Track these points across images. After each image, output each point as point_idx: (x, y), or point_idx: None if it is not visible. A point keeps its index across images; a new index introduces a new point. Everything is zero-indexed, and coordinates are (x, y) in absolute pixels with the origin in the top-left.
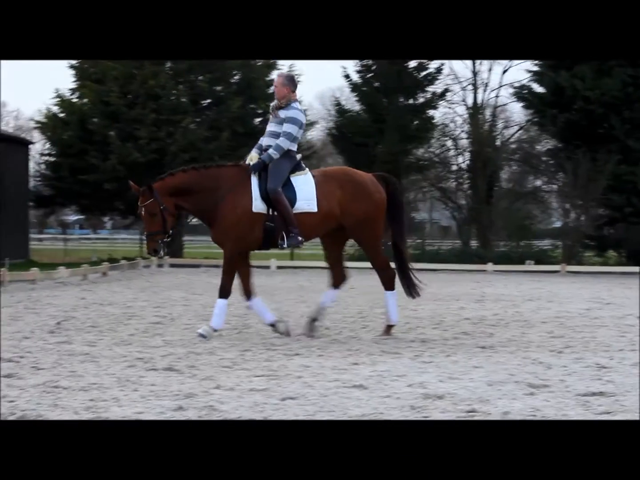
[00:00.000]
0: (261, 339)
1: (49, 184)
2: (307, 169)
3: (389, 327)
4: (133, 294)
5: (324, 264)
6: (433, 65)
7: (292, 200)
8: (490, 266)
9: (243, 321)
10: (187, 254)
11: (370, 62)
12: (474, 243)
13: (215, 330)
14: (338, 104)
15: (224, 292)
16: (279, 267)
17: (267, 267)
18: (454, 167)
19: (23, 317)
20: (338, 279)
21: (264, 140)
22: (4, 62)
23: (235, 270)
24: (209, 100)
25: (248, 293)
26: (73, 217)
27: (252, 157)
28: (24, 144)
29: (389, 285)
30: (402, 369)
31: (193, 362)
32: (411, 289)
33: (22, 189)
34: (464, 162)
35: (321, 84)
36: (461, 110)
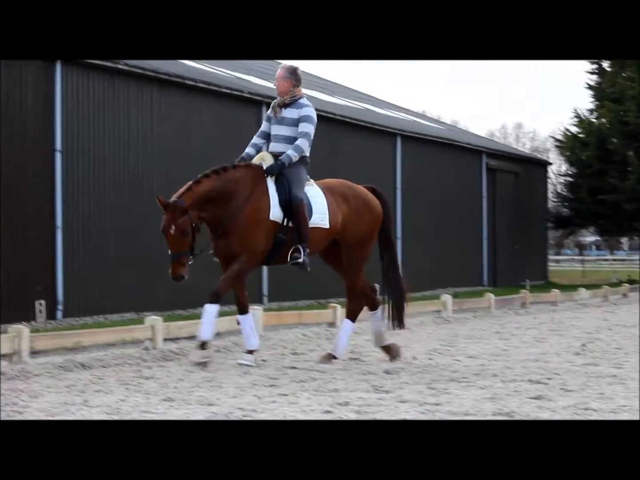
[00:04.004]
0: None
1: (567, 205)
2: (312, 180)
3: (330, 356)
4: None
5: None
6: None
7: (309, 212)
8: None
9: None
10: None
11: None
12: None
13: (204, 343)
14: None
15: (216, 297)
16: None
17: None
18: None
19: (547, 338)
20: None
21: (272, 146)
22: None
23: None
24: None
25: (242, 306)
26: (590, 238)
27: (264, 157)
28: (543, 164)
29: (352, 315)
30: None
31: None
32: (399, 321)
33: (541, 210)
34: None
35: None
36: None
